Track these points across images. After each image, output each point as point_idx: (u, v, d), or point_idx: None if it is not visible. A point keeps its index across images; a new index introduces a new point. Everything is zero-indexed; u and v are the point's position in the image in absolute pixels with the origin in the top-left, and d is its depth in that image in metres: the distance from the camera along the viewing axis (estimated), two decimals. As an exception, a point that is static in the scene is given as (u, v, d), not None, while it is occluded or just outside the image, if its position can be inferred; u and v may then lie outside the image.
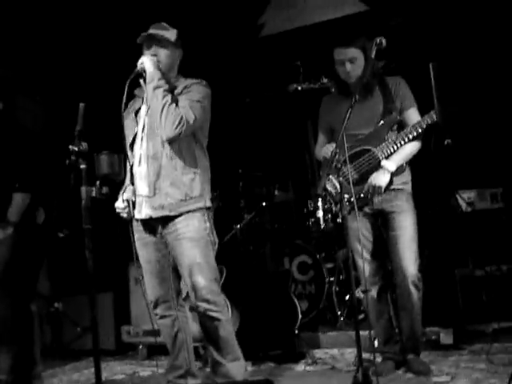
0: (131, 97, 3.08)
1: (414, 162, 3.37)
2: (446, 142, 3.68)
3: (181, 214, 2.92)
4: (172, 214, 2.92)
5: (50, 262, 5.05)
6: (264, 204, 4.71)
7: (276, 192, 4.74)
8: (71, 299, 5.10)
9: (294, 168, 5.43)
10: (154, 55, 2.97)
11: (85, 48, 5.36)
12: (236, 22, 5.50)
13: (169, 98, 2.87)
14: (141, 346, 4.64)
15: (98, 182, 2.43)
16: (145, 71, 2.92)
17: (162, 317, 3.08)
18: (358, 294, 3.40)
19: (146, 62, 2.93)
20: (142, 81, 2.98)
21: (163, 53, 3.00)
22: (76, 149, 2.38)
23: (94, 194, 2.38)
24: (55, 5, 5.08)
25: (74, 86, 5.36)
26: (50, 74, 5.55)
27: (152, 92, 2.90)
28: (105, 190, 2.42)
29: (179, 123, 2.82)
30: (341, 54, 3.24)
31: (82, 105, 2.46)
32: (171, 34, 3.04)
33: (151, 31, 3.00)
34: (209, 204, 3.02)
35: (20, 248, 3.65)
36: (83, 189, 2.37)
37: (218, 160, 3.20)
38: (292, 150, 5.52)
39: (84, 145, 2.40)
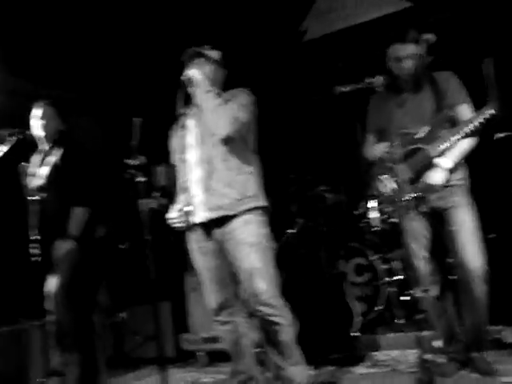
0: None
1: (470, 158, 3.30)
2: (497, 137, 3.60)
3: (238, 214, 2.93)
4: (230, 213, 2.93)
5: (111, 274, 5.18)
6: (316, 207, 4.69)
7: (328, 194, 4.71)
8: (130, 310, 5.22)
9: (345, 170, 5.40)
10: (198, 68, 3.03)
11: (138, 65, 5.49)
12: (278, 30, 5.52)
13: (221, 99, 2.96)
14: (201, 353, 4.69)
15: (156, 194, 2.49)
16: (193, 80, 2.98)
17: (224, 323, 3.10)
18: (418, 293, 3.34)
19: (194, 72, 3.00)
20: (192, 88, 3.02)
21: (207, 68, 3.07)
22: (133, 163, 2.44)
23: (153, 205, 2.44)
24: (107, 24, 5.22)
25: (129, 101, 5.50)
26: (105, 91, 5.71)
27: (205, 95, 2.97)
28: (163, 201, 2.48)
29: (233, 121, 2.89)
30: (400, 51, 3.16)
31: (137, 120, 2.52)
32: (215, 54, 3.13)
33: (197, 49, 3.09)
34: (265, 203, 3.05)
35: (82, 261, 3.76)
36: (142, 201, 2.43)
37: (269, 166, 3.23)
38: (342, 152, 5.49)
39: (141, 158, 2.46)
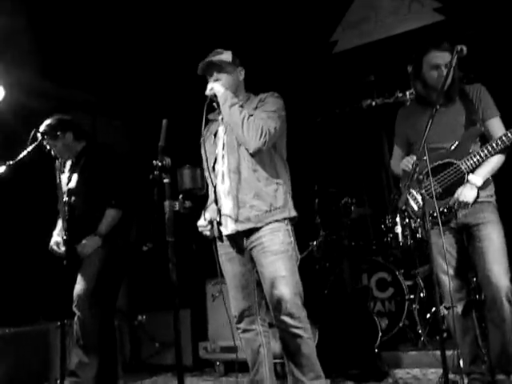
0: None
1: (497, 174, 3.23)
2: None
3: (266, 225, 2.91)
4: (258, 225, 2.92)
5: (132, 277, 5.19)
6: (341, 220, 4.64)
7: (353, 208, 4.66)
8: (148, 315, 5.21)
9: (370, 183, 5.35)
10: (217, 80, 3.04)
11: (166, 65, 5.51)
12: (309, 40, 5.51)
13: (246, 112, 2.93)
14: (218, 363, 4.66)
15: (180, 196, 2.48)
16: (215, 95, 2.99)
17: (245, 331, 3.07)
18: (442, 311, 3.25)
19: (215, 86, 3.01)
20: (215, 104, 3.04)
21: (224, 76, 3.07)
22: (159, 164, 2.43)
23: (177, 207, 2.43)
24: (135, 27, 5.28)
25: (157, 102, 5.53)
26: (133, 92, 5.76)
27: (228, 110, 2.95)
28: (187, 204, 2.46)
29: (261, 133, 2.86)
30: (438, 58, 3.09)
31: (164, 121, 2.52)
32: (226, 56, 3.10)
33: (207, 59, 3.08)
34: (293, 214, 3.01)
35: (110, 263, 3.77)
36: (167, 203, 2.41)
37: (294, 176, 3.19)
38: (368, 166, 5.45)
39: (167, 160, 2.45)
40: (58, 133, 3.89)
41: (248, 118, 2.90)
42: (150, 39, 5.42)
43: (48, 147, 3.90)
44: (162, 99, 5.62)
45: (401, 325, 4.39)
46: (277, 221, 2.93)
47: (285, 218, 2.95)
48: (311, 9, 5.41)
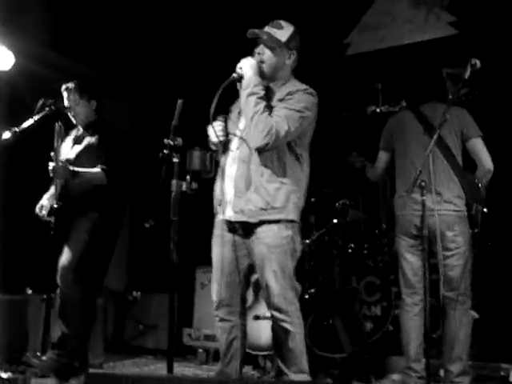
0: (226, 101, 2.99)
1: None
2: None
3: (261, 223, 2.83)
4: (251, 220, 2.83)
5: (130, 255, 5.14)
6: (335, 221, 4.66)
7: (349, 210, 4.68)
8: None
9: (367, 188, 5.37)
10: (259, 54, 2.91)
11: (185, 46, 5.49)
12: (323, 40, 5.50)
13: (261, 105, 2.78)
14: (200, 350, 4.67)
15: (188, 177, 2.49)
16: (243, 77, 2.85)
17: (222, 320, 2.96)
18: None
19: (245, 67, 2.85)
20: (238, 85, 2.88)
21: (268, 54, 2.91)
22: (171, 143, 2.45)
23: (184, 188, 2.44)
24: (147, 6, 5.26)
25: (174, 82, 5.51)
26: (151, 71, 5.75)
27: (245, 98, 2.81)
28: (194, 185, 2.48)
29: (267, 134, 2.72)
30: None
31: (180, 101, 2.54)
32: (282, 34, 2.91)
33: (259, 33, 2.90)
34: (292, 217, 2.87)
35: (97, 237, 3.76)
36: (174, 182, 2.43)
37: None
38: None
39: (179, 139, 2.47)
40: (87, 95, 3.90)
41: (261, 113, 2.76)
42: (162, 20, 5.39)
43: (66, 104, 3.88)
44: (174, 81, 5.59)
45: (385, 330, 4.41)
46: (272, 222, 2.83)
47: (280, 220, 2.83)
48: (328, 8, 5.40)
